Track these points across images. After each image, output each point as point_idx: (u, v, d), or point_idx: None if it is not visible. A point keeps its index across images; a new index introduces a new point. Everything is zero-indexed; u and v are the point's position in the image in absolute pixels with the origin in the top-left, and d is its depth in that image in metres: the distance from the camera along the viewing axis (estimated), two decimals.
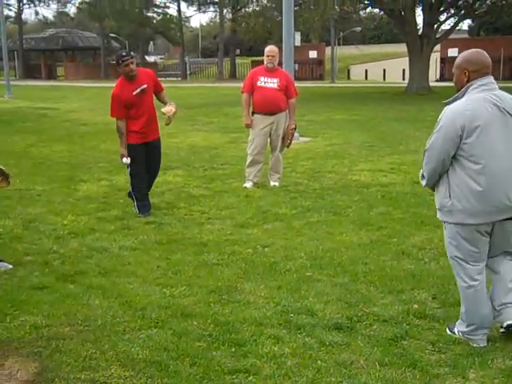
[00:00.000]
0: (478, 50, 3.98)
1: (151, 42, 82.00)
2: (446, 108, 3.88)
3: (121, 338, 4.06)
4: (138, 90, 6.98)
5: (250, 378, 3.56)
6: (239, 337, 4.06)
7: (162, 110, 7.23)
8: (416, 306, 4.51)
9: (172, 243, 6.18)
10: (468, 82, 3.86)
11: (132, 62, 6.90)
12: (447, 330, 4.14)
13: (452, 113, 3.79)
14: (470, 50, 4.00)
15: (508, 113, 3.78)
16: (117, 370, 3.67)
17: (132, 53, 7.07)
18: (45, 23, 72.66)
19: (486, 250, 3.93)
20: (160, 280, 5.15)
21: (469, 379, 3.55)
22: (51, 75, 58.59)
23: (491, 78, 3.86)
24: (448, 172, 3.87)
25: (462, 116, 3.73)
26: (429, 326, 4.22)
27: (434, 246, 6.00)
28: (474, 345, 3.93)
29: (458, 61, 3.97)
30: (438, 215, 4.05)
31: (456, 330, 4.08)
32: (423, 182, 4.08)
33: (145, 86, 7.04)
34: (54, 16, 77.34)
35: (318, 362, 3.75)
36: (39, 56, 59.71)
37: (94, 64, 60.92)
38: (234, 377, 3.58)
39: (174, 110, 7.23)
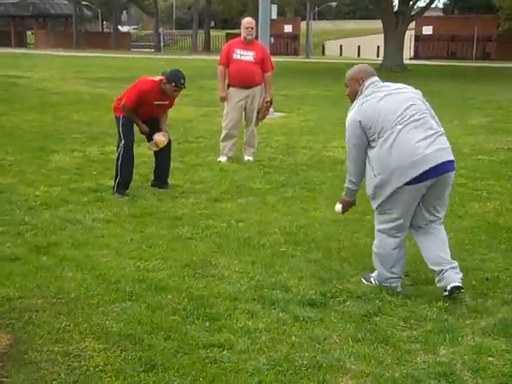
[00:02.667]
0: (361, 64, 4.74)
1: (124, 12, 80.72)
2: (348, 114, 4.47)
3: (95, 311, 4.04)
4: (159, 103, 6.87)
5: (224, 353, 3.58)
6: (213, 311, 4.07)
7: (156, 137, 6.96)
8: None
9: (146, 216, 6.15)
10: (360, 87, 4.48)
11: (180, 91, 6.84)
12: (362, 279, 4.63)
13: (351, 116, 4.40)
14: (355, 66, 4.68)
15: (395, 91, 4.44)
16: (91, 342, 3.65)
17: (185, 84, 6.85)
18: None
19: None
20: (134, 253, 5.13)
21: (439, 355, 3.61)
22: (21, 43, 57.36)
23: (374, 78, 4.53)
24: (368, 159, 4.36)
25: (359, 112, 4.34)
26: (401, 303, 4.27)
27: None
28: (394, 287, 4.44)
29: (349, 75, 4.59)
30: (375, 203, 4.44)
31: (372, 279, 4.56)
32: (355, 186, 4.56)
33: (166, 102, 6.94)
34: None
35: (292, 337, 3.78)
36: (9, 22, 58.29)
37: (66, 32, 59.78)
38: (209, 351, 3.59)
39: (166, 141, 7.03)
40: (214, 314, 4.04)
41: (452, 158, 4.30)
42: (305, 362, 3.49)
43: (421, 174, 4.14)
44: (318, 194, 7.16)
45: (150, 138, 7.10)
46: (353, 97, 4.53)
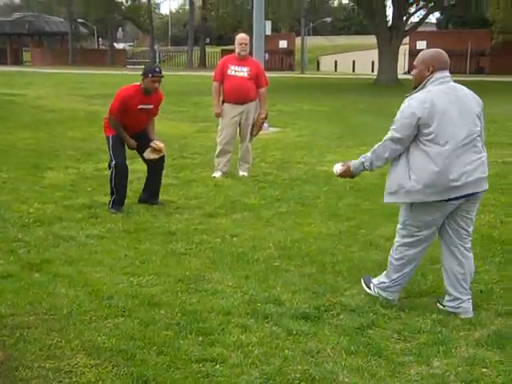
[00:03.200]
0: (440, 49, 4.34)
1: (120, 29, 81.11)
2: (407, 99, 4.21)
3: (87, 327, 4.03)
4: (143, 107, 6.83)
5: (217, 367, 3.56)
6: (206, 326, 4.06)
7: (153, 144, 6.89)
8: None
9: (140, 232, 6.14)
10: (429, 76, 4.19)
11: (159, 81, 6.79)
12: (363, 283, 4.63)
13: (411, 105, 4.14)
14: (433, 49, 4.34)
15: (460, 100, 4.17)
16: (82, 358, 3.64)
17: (161, 72, 6.84)
18: (11, 7, 71.38)
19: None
20: (127, 269, 5.11)
21: (433, 367, 3.60)
22: (17, 60, 57.53)
23: (447, 72, 4.23)
24: (409, 156, 4.16)
25: (421, 107, 4.07)
26: (395, 316, 4.27)
27: None
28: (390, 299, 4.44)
29: (423, 56, 4.27)
30: (391, 199, 4.31)
31: (372, 286, 4.54)
32: (370, 168, 4.38)
33: (151, 106, 6.91)
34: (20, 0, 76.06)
35: (285, 350, 3.76)
36: (5, 40, 58.51)
37: (62, 50, 59.97)
38: (201, 365, 3.58)
39: (162, 153, 6.96)
40: (206, 328, 4.02)
41: (487, 187, 4.27)
42: (298, 376, 3.48)
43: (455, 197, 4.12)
44: (312, 208, 7.17)
45: (140, 153, 7.08)
46: (417, 82, 4.26)
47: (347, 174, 4.58)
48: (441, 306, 4.41)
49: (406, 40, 38.02)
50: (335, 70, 50.56)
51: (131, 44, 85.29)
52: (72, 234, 6.02)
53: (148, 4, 57.90)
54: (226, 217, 6.77)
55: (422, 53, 4.32)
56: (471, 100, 4.24)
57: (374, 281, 4.59)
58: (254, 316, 4.23)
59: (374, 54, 34.90)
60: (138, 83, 6.85)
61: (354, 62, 50.07)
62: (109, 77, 36.31)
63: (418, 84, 4.25)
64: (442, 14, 52.76)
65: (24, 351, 3.70)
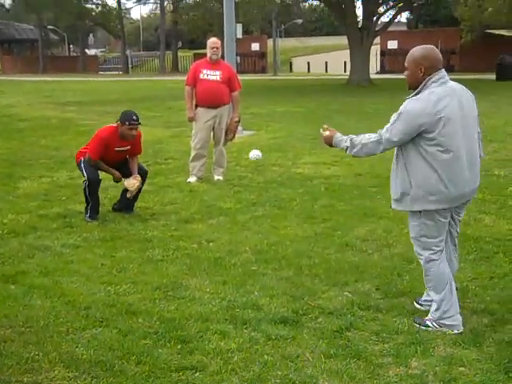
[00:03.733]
0: (431, 46, 4.10)
1: (91, 35, 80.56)
2: (407, 101, 3.97)
3: (64, 339, 3.99)
4: (120, 149, 6.81)
5: (196, 375, 3.55)
6: (185, 333, 4.05)
7: (125, 183, 6.87)
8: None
9: (116, 240, 6.10)
10: (423, 76, 3.95)
11: (136, 129, 6.74)
12: (418, 325, 4.14)
13: (413, 108, 3.89)
14: (423, 46, 4.07)
15: (463, 104, 3.97)
16: (60, 371, 3.60)
17: (139, 120, 6.78)
18: None
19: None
20: (104, 278, 5.08)
21: (411, 368, 3.63)
22: None
23: (444, 72, 4.01)
24: (407, 161, 3.99)
25: (425, 111, 3.84)
26: (372, 317, 4.29)
27: (376, 237, 6.10)
28: (454, 331, 4.04)
29: (413, 56, 4.03)
30: (398, 206, 4.16)
31: (428, 321, 4.13)
32: (352, 150, 4.20)
33: (127, 148, 6.86)
34: None
35: (265, 356, 3.76)
36: None
37: (32, 57, 59.46)
38: (181, 374, 3.57)
39: (137, 184, 6.88)
40: (185, 336, 4.01)
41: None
42: (277, 381, 3.48)
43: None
44: (288, 211, 7.18)
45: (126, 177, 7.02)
46: (411, 84, 4.04)
47: (328, 140, 4.34)
48: (418, 306, 4.44)
49: (378, 40, 38.34)
50: (308, 71, 50.75)
51: (103, 50, 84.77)
52: (47, 244, 5.96)
53: (119, 9, 57.60)
54: (202, 222, 6.76)
55: (411, 51, 4.06)
56: (471, 102, 4.09)
57: (427, 317, 4.20)
58: (233, 322, 4.23)
59: (346, 55, 35.08)
60: (115, 125, 6.79)
61: (326, 62, 50.30)
62: (81, 83, 36.12)
63: (413, 86, 4.02)
64: (411, 13, 53.20)
65: (1, 365, 3.66)
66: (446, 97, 3.90)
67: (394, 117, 3.98)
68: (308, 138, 12.87)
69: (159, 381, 3.49)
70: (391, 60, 44.05)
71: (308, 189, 8.22)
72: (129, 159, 7.00)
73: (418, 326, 4.14)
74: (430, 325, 4.11)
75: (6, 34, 57.13)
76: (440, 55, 4.02)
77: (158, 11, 60.00)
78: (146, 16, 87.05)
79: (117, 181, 7.01)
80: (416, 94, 3.99)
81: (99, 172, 6.86)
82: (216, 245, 5.95)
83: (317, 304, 4.51)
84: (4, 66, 57.62)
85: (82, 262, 5.47)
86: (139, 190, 7.05)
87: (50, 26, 58.85)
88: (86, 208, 6.85)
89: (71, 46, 70.07)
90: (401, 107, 3.96)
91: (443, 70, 4.00)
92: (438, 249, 4.13)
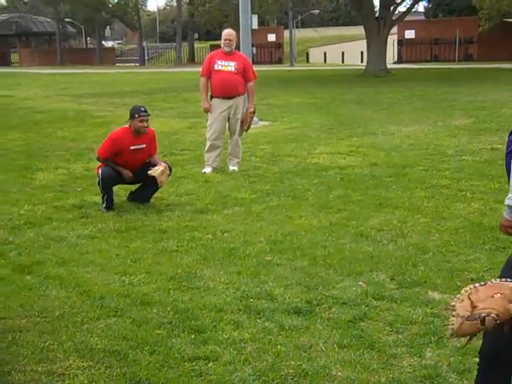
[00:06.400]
0: None
1: (108, 27, 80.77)
2: None
3: (79, 329, 4.02)
4: (136, 147, 6.83)
5: (209, 365, 3.56)
6: (199, 323, 4.05)
7: (149, 172, 6.81)
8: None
9: (131, 231, 6.12)
10: None
11: (147, 120, 6.78)
12: None
13: None
14: None
15: None
16: (75, 360, 3.63)
17: (147, 111, 6.84)
18: None
19: None
20: (119, 268, 5.10)
21: (425, 358, 3.61)
22: (5, 61, 57.32)
23: None
24: None
25: None
26: (387, 307, 4.27)
27: (392, 227, 6.07)
28: None
29: None
30: None
31: None
32: None
33: (143, 146, 6.88)
34: (6, 0, 75.64)
35: (278, 346, 3.76)
36: None
37: (50, 50, 59.74)
38: (194, 364, 3.57)
39: (161, 168, 6.84)
40: (199, 326, 4.02)
41: None
42: (290, 371, 3.47)
43: None
44: (303, 201, 7.16)
45: (139, 181, 7.03)
46: None
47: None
48: None
49: (395, 30, 38.05)
50: (325, 61, 50.55)
51: (120, 42, 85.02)
52: (63, 235, 6.00)
53: (135, 1, 57.67)
54: (217, 212, 6.76)
55: None
56: None
57: None
58: (247, 312, 4.23)
59: (362, 45, 34.87)
60: (127, 125, 6.85)
61: (343, 53, 50.08)
62: (98, 75, 36.24)
63: None
64: (429, 2, 52.74)
65: (16, 355, 3.69)
66: None
67: None
68: (323, 128, 12.83)
69: (173, 370, 3.50)
70: (408, 50, 43.72)
71: (323, 179, 8.18)
72: (149, 159, 7.01)
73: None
74: None
75: (23, 27, 57.44)
76: None
77: (175, 3, 59.99)
78: (162, 8, 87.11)
79: (128, 182, 7.03)
80: None
81: (114, 173, 6.87)
82: (231, 235, 5.95)
83: (331, 294, 4.49)
84: (22, 58, 57.97)
85: (97, 253, 5.49)
86: (158, 187, 7.03)
87: (67, 19, 59.08)
88: (103, 198, 6.88)
89: (88, 38, 70.27)
90: None
91: None
92: None
